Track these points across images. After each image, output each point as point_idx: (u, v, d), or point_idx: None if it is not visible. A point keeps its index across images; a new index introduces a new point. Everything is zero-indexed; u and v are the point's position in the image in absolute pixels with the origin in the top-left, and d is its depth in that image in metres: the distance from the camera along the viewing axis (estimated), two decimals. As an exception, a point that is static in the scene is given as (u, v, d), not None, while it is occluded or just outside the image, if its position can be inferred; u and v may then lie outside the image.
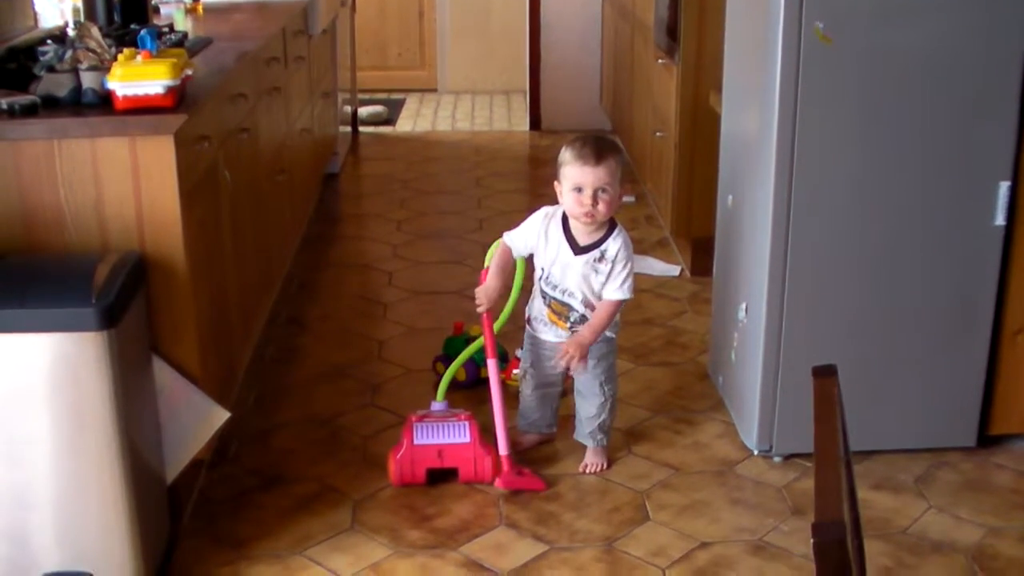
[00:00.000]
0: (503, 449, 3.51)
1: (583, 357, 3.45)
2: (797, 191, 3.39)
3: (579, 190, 3.36)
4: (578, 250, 3.43)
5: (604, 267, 3.43)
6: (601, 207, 3.36)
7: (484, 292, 3.54)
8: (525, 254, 3.56)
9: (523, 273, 3.62)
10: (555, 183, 3.46)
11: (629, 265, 3.45)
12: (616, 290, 3.45)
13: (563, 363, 3.47)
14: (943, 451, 3.70)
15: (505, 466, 3.50)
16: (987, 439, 3.71)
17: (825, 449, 1.54)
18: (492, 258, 3.57)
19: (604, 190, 3.35)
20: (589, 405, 3.61)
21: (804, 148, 3.35)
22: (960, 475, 3.60)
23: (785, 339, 3.53)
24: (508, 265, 3.56)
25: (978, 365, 3.61)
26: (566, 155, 3.40)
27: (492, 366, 3.56)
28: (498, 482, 3.49)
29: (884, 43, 3.30)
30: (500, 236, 3.58)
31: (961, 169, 3.41)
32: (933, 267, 3.50)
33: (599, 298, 3.46)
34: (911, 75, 3.33)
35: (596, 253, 3.43)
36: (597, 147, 3.37)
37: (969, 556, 3.21)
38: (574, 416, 3.69)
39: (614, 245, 3.44)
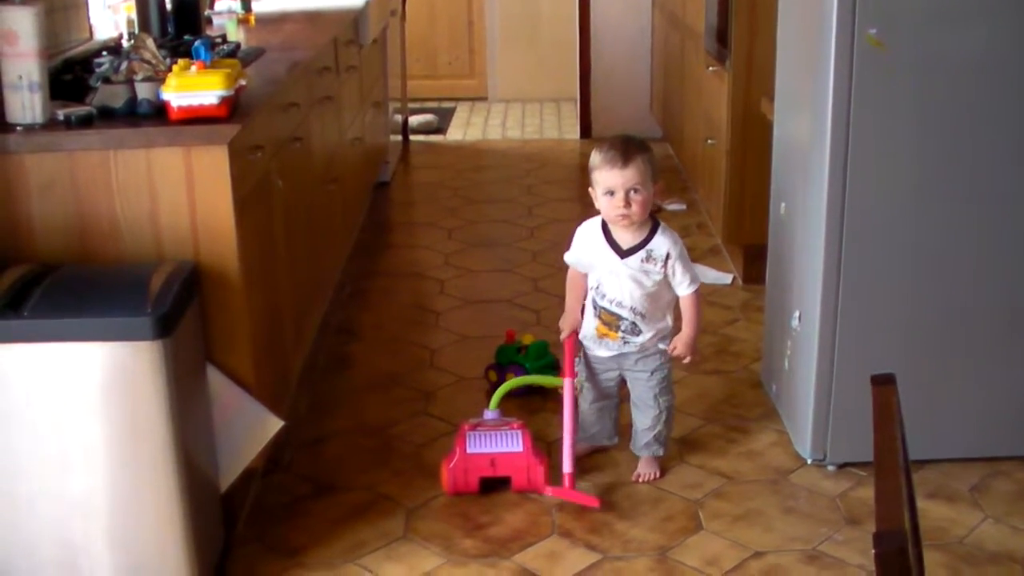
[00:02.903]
0: (567, 467, 3.48)
1: (694, 352, 3.54)
2: (851, 198, 3.37)
3: (611, 193, 3.37)
4: (623, 254, 3.43)
5: (654, 267, 3.43)
6: (635, 207, 3.36)
7: (565, 320, 3.59)
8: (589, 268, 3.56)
9: None
10: (589, 189, 3.46)
11: (684, 258, 3.48)
12: (688, 286, 3.48)
13: (685, 362, 3.57)
14: (998, 460, 3.66)
15: (567, 483, 3.46)
16: (1044, 448, 3.68)
17: (885, 457, 1.53)
18: (568, 290, 3.61)
19: (636, 190, 3.35)
20: (644, 417, 3.60)
21: (857, 154, 3.33)
22: (1016, 484, 3.56)
23: (839, 347, 3.51)
24: (581, 286, 3.58)
25: (1034, 373, 3.58)
26: (595, 159, 3.41)
27: (568, 386, 3.54)
28: (550, 490, 3.47)
29: (939, 48, 3.27)
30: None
31: (1018, 175, 3.38)
32: (988, 274, 3.47)
33: (651, 301, 3.46)
34: (966, 80, 3.30)
35: (642, 254, 3.43)
36: (624, 148, 3.37)
37: (1027, 566, 3.18)
38: (631, 426, 3.68)
39: (660, 244, 3.44)
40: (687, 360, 3.55)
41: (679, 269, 3.46)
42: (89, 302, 2.72)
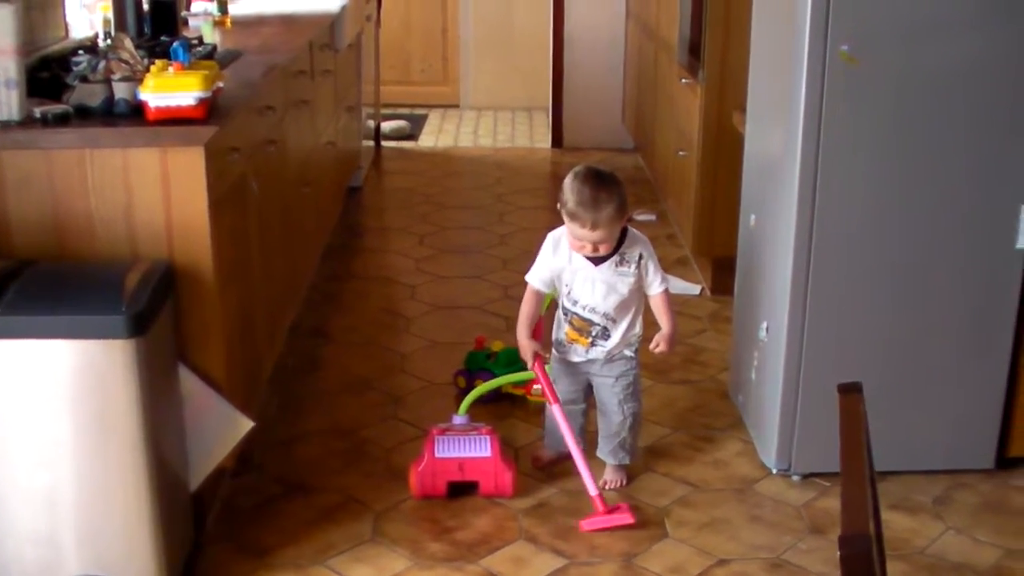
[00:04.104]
0: (592, 490, 3.42)
1: (672, 344, 3.58)
2: (820, 211, 3.40)
3: (579, 239, 3.40)
4: (597, 261, 3.46)
5: (628, 269, 3.46)
6: (602, 250, 3.42)
7: (525, 351, 3.57)
8: (553, 284, 3.56)
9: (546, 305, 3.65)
10: (558, 206, 3.45)
11: (655, 257, 3.53)
12: (660, 284, 3.52)
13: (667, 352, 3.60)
14: (961, 473, 3.70)
15: (599, 506, 3.40)
16: (1005, 461, 3.71)
17: (851, 464, 1.56)
18: (521, 312, 3.59)
19: (602, 242, 3.39)
20: (609, 423, 3.62)
21: (827, 168, 3.37)
22: (978, 497, 3.60)
23: (805, 359, 3.54)
24: (536, 312, 3.61)
25: (997, 387, 3.61)
26: (567, 202, 3.38)
27: (557, 411, 3.52)
28: (584, 525, 3.40)
29: (910, 64, 3.31)
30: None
31: (985, 191, 3.42)
32: (954, 289, 3.51)
33: (623, 307, 3.49)
34: (937, 96, 3.34)
35: (616, 258, 3.46)
36: (594, 204, 3.33)
37: (987, 578, 3.22)
38: (597, 433, 3.69)
39: (632, 246, 3.48)
40: (666, 352, 3.58)
41: (651, 268, 3.50)
42: (63, 299, 2.73)
